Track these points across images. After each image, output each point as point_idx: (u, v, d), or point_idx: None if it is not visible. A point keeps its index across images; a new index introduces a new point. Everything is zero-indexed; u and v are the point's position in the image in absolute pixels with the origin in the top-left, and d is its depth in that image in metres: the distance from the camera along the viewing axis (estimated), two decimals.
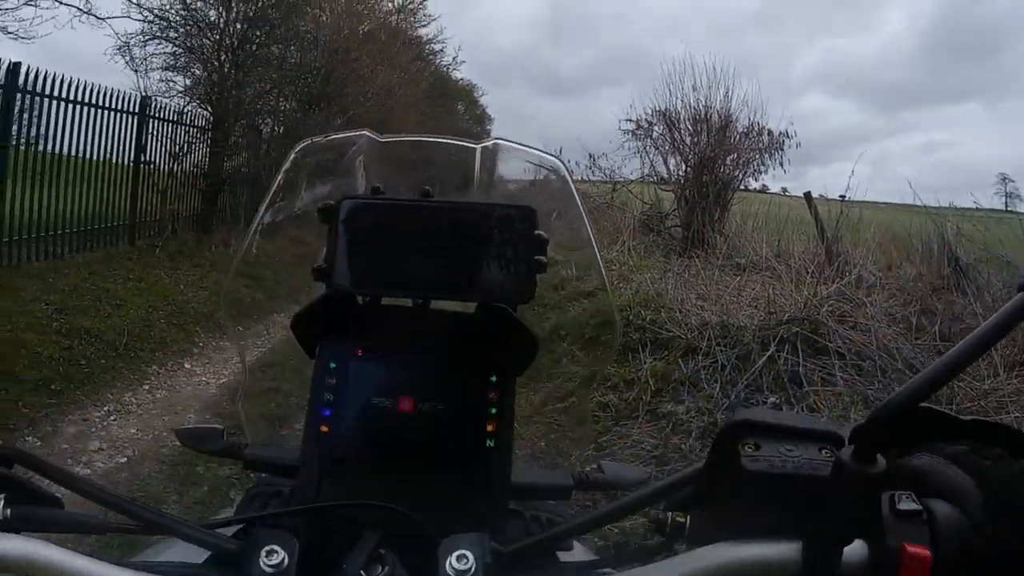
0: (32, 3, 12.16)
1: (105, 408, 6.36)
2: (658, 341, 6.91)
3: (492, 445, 1.06)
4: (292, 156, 1.24)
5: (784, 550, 0.74)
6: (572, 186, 1.27)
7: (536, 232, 1.03)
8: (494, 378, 1.08)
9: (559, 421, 5.85)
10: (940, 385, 0.68)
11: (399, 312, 1.13)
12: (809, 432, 0.77)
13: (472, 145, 1.27)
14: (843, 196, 10.36)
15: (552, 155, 1.29)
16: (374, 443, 1.07)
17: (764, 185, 15.19)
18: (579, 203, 1.26)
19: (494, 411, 1.07)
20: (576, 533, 0.90)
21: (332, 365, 1.09)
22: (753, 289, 7.87)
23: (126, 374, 7.10)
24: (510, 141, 1.27)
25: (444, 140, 1.44)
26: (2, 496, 0.82)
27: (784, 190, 14.72)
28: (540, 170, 1.34)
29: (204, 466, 5.24)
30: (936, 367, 0.68)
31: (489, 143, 1.25)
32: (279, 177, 1.23)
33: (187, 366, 7.76)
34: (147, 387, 7.00)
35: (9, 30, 12.54)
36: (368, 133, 1.25)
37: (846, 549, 0.72)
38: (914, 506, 0.73)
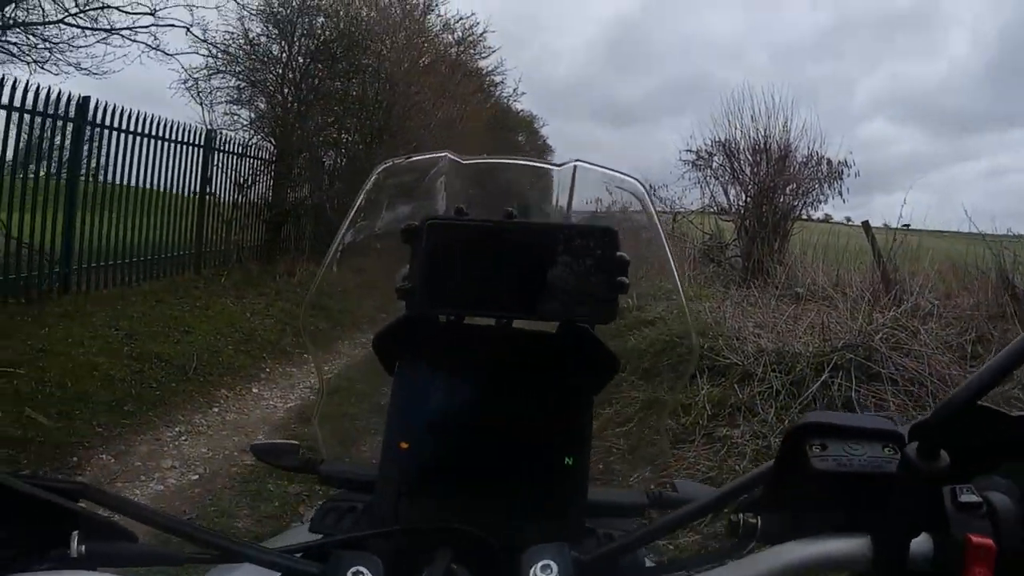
0: (104, 41, 12.47)
1: (176, 429, 6.43)
2: (715, 368, 6.87)
3: (570, 464, 1.06)
4: (373, 177, 1.24)
5: (854, 545, 0.75)
6: (652, 208, 1.27)
7: (618, 253, 1.02)
8: (573, 397, 1.08)
9: (620, 444, 5.85)
10: (995, 384, 0.69)
11: (480, 331, 1.12)
12: (873, 431, 0.79)
13: (553, 167, 1.27)
14: (907, 225, 10.23)
15: (632, 177, 1.28)
16: (452, 460, 1.06)
17: (827, 214, 15.04)
18: (658, 225, 1.26)
19: (572, 430, 1.06)
20: (655, 537, 0.89)
21: (412, 383, 1.09)
22: (809, 317, 7.78)
23: (196, 397, 7.17)
24: (590, 163, 1.24)
25: (525, 162, 1.46)
26: (75, 533, 0.81)
27: (847, 219, 14.47)
28: (620, 191, 1.30)
29: (274, 483, 5.32)
30: (991, 366, 0.69)
31: (569, 164, 1.24)
32: (360, 198, 1.22)
33: (255, 390, 7.82)
34: (217, 410, 7.07)
35: (82, 66, 12.87)
36: (450, 155, 1.24)
37: (913, 542, 0.74)
38: (975, 498, 0.74)
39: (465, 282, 1.02)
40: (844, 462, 0.76)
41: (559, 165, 1.25)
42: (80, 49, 12.83)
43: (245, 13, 15.22)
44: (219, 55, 15.20)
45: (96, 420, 6.06)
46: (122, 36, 12.72)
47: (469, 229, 1.03)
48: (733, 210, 13.86)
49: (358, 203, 1.22)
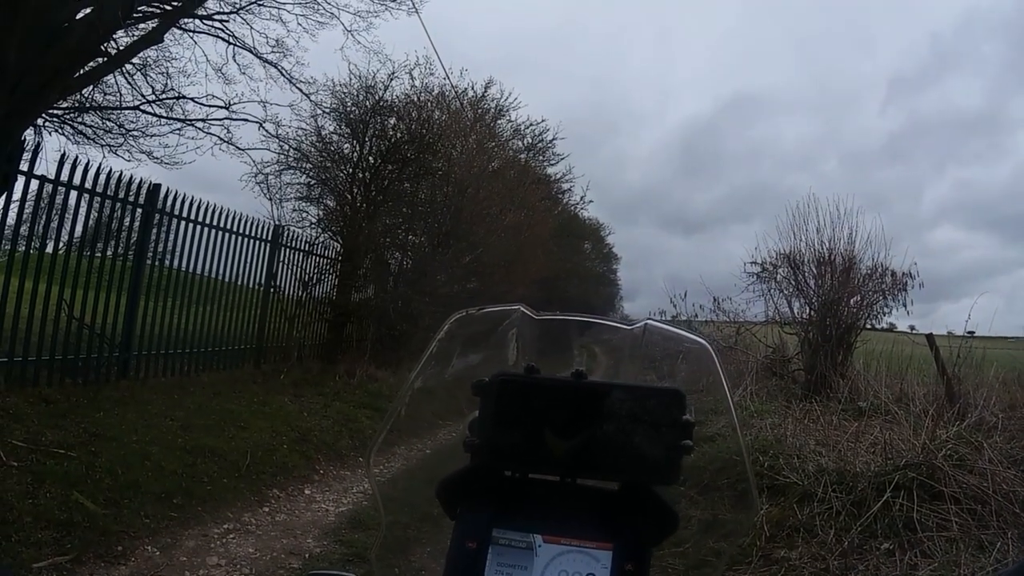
0: (178, 132, 12.66)
1: (225, 526, 6.28)
2: (774, 487, 6.75)
3: None
4: (447, 326, 1.23)
5: None
6: (720, 369, 1.21)
7: (684, 417, 1.04)
8: (631, 550, 1.06)
9: (676, 565, 5.66)
10: None
11: (544, 485, 1.11)
12: None
13: (623, 326, 1.30)
14: (971, 332, 10.01)
15: (700, 337, 1.27)
16: None
17: (891, 324, 14.74)
18: (726, 387, 1.22)
19: None
20: None
21: (472, 531, 1.08)
22: (872, 434, 7.56)
23: (247, 495, 7.03)
24: (660, 322, 1.29)
25: (597, 320, 1.50)
26: None
27: (912, 327, 14.24)
28: (689, 351, 1.27)
29: None
30: None
31: (640, 324, 1.26)
32: (433, 345, 1.22)
33: (307, 492, 7.65)
34: (267, 509, 6.91)
35: (154, 155, 13.06)
36: (523, 308, 1.26)
37: None
38: None
39: (532, 440, 1.05)
40: None
41: (630, 325, 1.28)
42: (153, 137, 13.03)
43: (319, 111, 15.44)
44: (290, 151, 15.41)
45: (144, 510, 5.92)
46: (195, 127, 12.88)
47: (538, 388, 1.06)
48: (797, 322, 13.71)
49: (431, 350, 1.22)
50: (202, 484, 6.78)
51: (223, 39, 13.37)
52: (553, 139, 26.67)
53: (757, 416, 9.42)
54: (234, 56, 13.61)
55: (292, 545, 6.10)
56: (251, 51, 13.54)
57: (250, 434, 8.34)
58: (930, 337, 10.75)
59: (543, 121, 26.57)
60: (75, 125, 12.58)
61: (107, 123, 12.83)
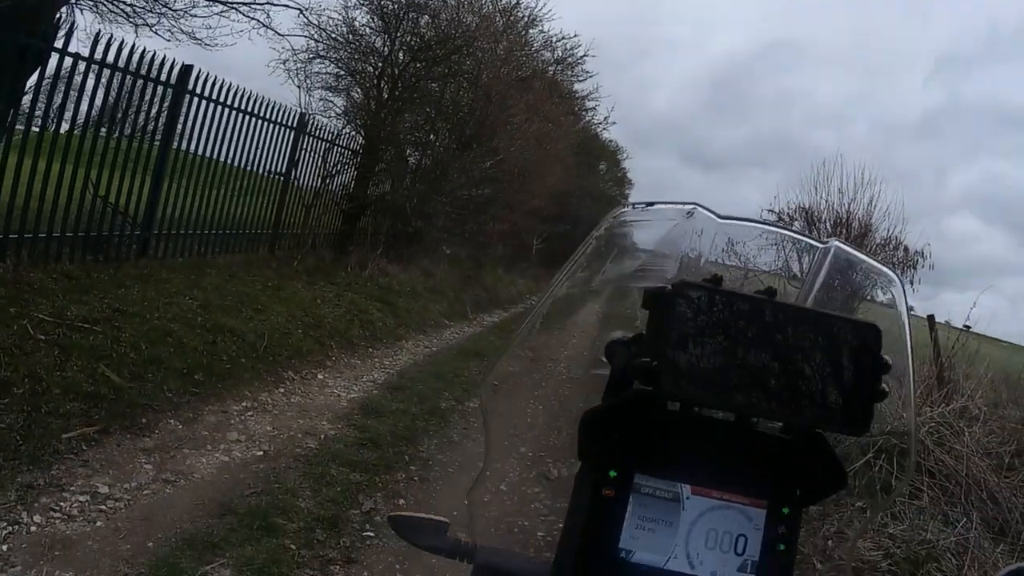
0: (223, 14, 12.60)
1: (243, 403, 6.53)
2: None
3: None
4: (608, 221, 1.11)
5: None
6: (904, 307, 1.12)
7: (882, 355, 0.91)
8: (786, 509, 0.96)
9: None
10: None
11: (711, 425, 0.96)
12: None
13: (814, 242, 1.18)
14: (967, 326, 10.08)
15: (890, 269, 1.17)
16: (649, 572, 0.93)
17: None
18: (907, 327, 1.10)
19: (781, 547, 0.96)
20: None
21: (612, 473, 0.94)
22: None
23: (264, 375, 7.26)
24: (851, 247, 1.17)
25: (786, 231, 1.39)
26: None
27: (911, 309, 14.29)
28: (876, 281, 1.20)
29: (337, 470, 5.42)
30: None
31: (829, 244, 1.15)
32: (589, 242, 1.09)
33: (320, 376, 7.90)
34: (283, 390, 7.16)
35: (196, 36, 13.02)
36: (700, 206, 1.09)
37: None
38: None
39: (716, 367, 0.87)
40: None
41: (820, 242, 1.16)
42: (195, 19, 12.97)
43: (353, 1, 15.33)
44: (323, 40, 15.33)
45: (167, 385, 6.14)
46: (239, 11, 12.81)
47: (730, 303, 0.88)
48: (804, 277, 13.53)
49: (584, 249, 1.09)
50: (221, 362, 6.99)
51: None
52: (584, 56, 26.15)
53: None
54: None
55: (307, 426, 6.33)
56: None
57: (266, 317, 8.53)
58: (931, 319, 10.83)
59: (575, 36, 25.99)
60: (110, 4, 12.51)
61: (143, 2, 12.75)
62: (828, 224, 13.47)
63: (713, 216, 1.08)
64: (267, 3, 12.81)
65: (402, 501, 5.21)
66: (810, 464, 0.96)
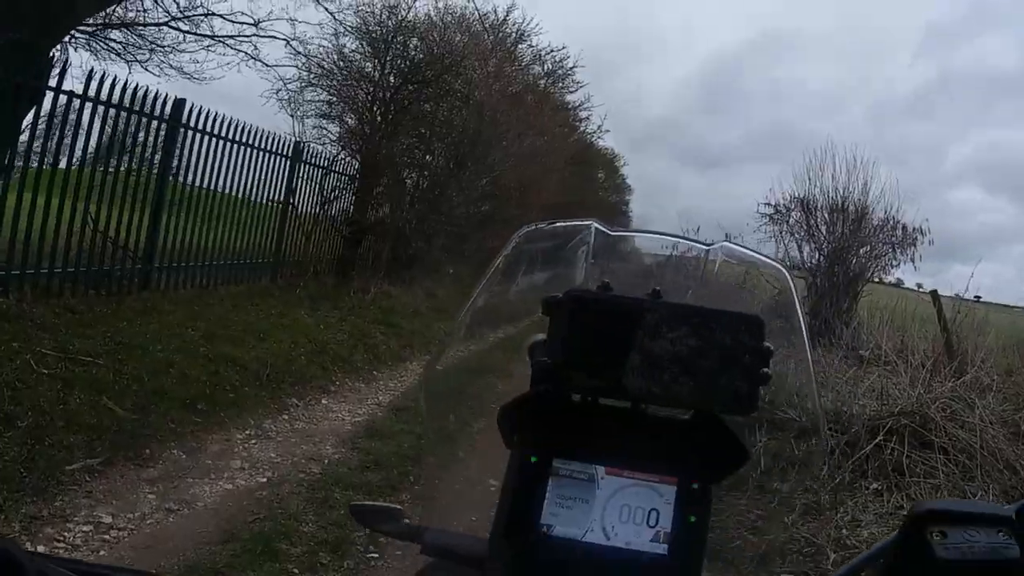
0: (208, 48, 12.71)
1: (247, 432, 6.51)
2: (773, 422, 6.80)
3: (686, 554, 1.01)
4: (515, 241, 1.22)
5: None
6: (796, 296, 1.23)
7: (764, 344, 0.99)
8: (696, 485, 1.03)
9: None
10: None
11: (613, 413, 1.06)
12: (989, 517, 0.82)
13: (700, 244, 1.26)
14: (978, 297, 10.08)
15: (776, 261, 1.28)
16: (566, 545, 1.01)
17: (899, 278, 14.79)
18: (800, 314, 1.22)
19: (692, 519, 1.02)
20: None
21: (533, 459, 1.03)
22: (869, 380, 7.72)
23: (267, 403, 7.25)
24: (737, 244, 1.26)
25: (673, 237, 1.43)
26: None
27: (919, 285, 14.26)
28: (761, 275, 1.34)
29: (341, 493, 5.38)
30: None
31: (717, 245, 1.24)
32: (499, 260, 1.20)
33: (324, 402, 7.88)
34: (287, 417, 7.14)
35: (185, 70, 13.14)
36: (596, 224, 1.21)
37: None
38: None
39: (605, 363, 0.97)
40: (967, 551, 0.79)
41: (706, 245, 1.25)
42: (184, 53, 13.09)
43: (341, 29, 15.48)
44: (312, 68, 15.43)
45: (170, 416, 6.14)
46: (225, 44, 12.92)
47: (615, 306, 0.99)
48: (806, 267, 13.85)
49: (496, 265, 1.20)
50: (225, 392, 7.00)
51: None
52: (573, 67, 26.29)
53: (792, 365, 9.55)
54: None
55: (311, 451, 6.32)
56: None
57: (269, 345, 8.54)
58: (935, 293, 10.86)
59: (563, 48, 26.12)
60: (102, 42, 12.63)
61: (134, 39, 12.87)
62: (825, 212, 13.59)
63: (606, 231, 1.21)
64: (253, 35, 12.91)
65: (407, 521, 5.15)
66: (712, 443, 1.03)
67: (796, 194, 14.21)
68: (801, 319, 1.22)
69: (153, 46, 12.89)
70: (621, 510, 1.01)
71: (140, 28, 12.90)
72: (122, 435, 5.56)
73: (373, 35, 15.72)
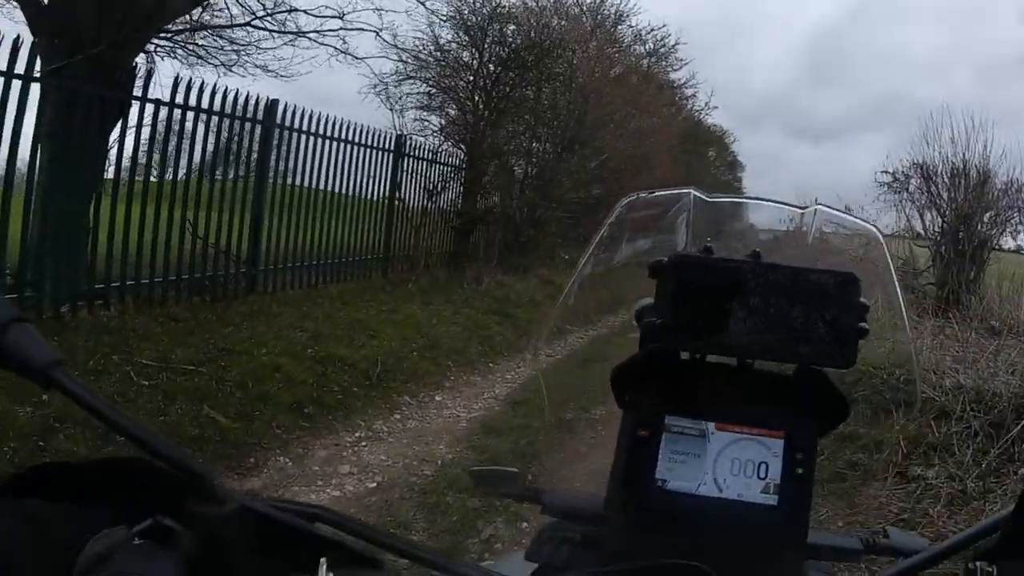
0: (292, 43, 12.57)
1: (356, 434, 6.27)
2: (910, 402, 6.28)
3: (795, 505, 1.06)
4: (617, 210, 1.27)
5: None
6: (888, 256, 1.29)
7: (860, 299, 1.04)
8: (802, 438, 1.08)
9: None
10: None
11: (720, 370, 1.12)
12: None
13: (796, 208, 1.31)
14: None
15: (870, 223, 1.32)
16: (680, 498, 1.07)
17: (1020, 245, 14.02)
18: (893, 274, 1.28)
19: (800, 471, 1.07)
20: None
21: (645, 418, 1.09)
22: (1010, 354, 7.08)
23: (378, 403, 7.01)
24: (831, 208, 1.30)
25: (769, 202, 1.46)
26: (323, 560, 0.76)
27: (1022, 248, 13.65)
28: (858, 237, 1.35)
29: (453, 496, 5.15)
30: None
31: (811, 208, 1.28)
32: (603, 230, 1.25)
33: (438, 399, 7.60)
34: (398, 416, 6.88)
35: (269, 68, 13.01)
36: (695, 191, 1.27)
37: None
38: None
39: (711, 321, 1.03)
40: None
41: (802, 208, 1.30)
42: (268, 52, 12.97)
43: (435, 19, 15.25)
44: (409, 60, 15.27)
45: (275, 421, 5.96)
46: (310, 39, 12.75)
47: (718, 268, 1.04)
48: (929, 235, 13.30)
49: (601, 234, 1.25)
50: (333, 393, 6.77)
51: None
52: (676, 44, 26.15)
53: (890, 328, 9.00)
54: None
55: (424, 452, 6.05)
56: None
57: (380, 342, 8.31)
58: None
59: (664, 26, 26.04)
60: (187, 47, 12.58)
61: (219, 41, 12.80)
62: (945, 176, 12.83)
63: (704, 197, 1.28)
64: (340, 28, 12.71)
65: (524, 524, 4.88)
66: (817, 398, 1.09)
67: (915, 160, 13.59)
68: (895, 278, 1.28)
69: (238, 47, 12.77)
70: (732, 463, 1.07)
71: (224, 31, 12.82)
72: (225, 444, 5.43)
73: (468, 23, 15.50)
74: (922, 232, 13.42)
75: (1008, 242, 13.16)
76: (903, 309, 1.32)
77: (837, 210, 1.31)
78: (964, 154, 12.50)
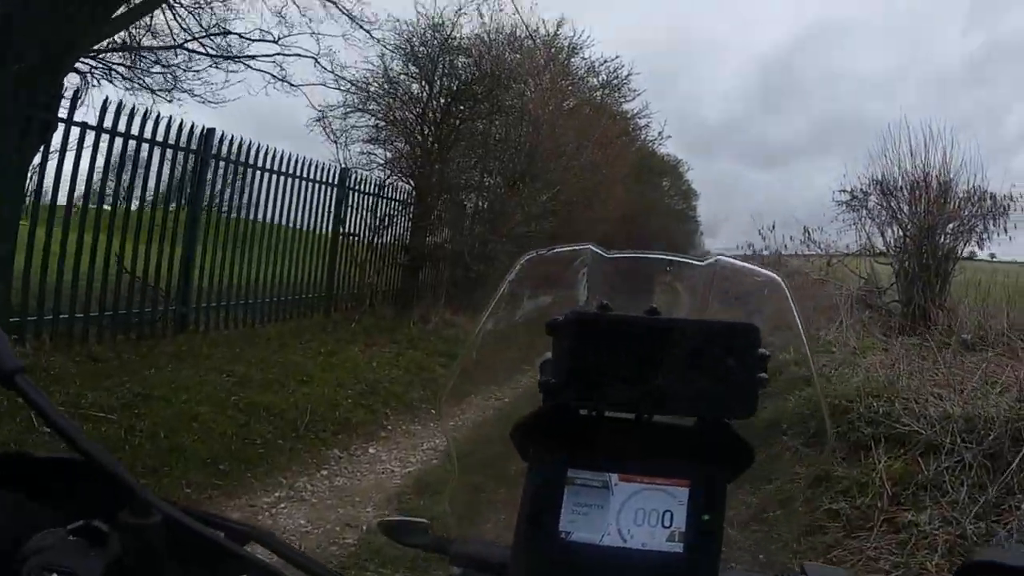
0: (218, 66, 12.29)
1: (276, 494, 5.83)
2: (893, 437, 5.94)
3: (701, 552, 1.04)
4: (517, 267, 1.26)
5: None
6: (792, 302, 1.23)
7: (759, 350, 1.03)
8: (707, 486, 1.06)
9: (781, 531, 5.28)
10: None
11: (618, 426, 1.09)
12: None
13: (695, 261, 1.32)
14: None
15: (770, 271, 1.29)
16: (584, 549, 1.04)
17: (991, 253, 14.00)
18: (799, 320, 1.23)
19: (706, 517, 1.04)
20: None
21: (548, 472, 1.07)
22: (1002, 372, 6.75)
23: (303, 457, 6.58)
24: (730, 258, 1.31)
25: (668, 256, 1.51)
26: None
27: (992, 256, 13.61)
28: (760, 285, 1.28)
29: (375, 569, 4.77)
30: None
31: (711, 259, 1.28)
32: (504, 287, 1.23)
33: (372, 451, 7.16)
34: (325, 472, 6.44)
35: (195, 93, 12.68)
36: (593, 247, 1.27)
37: None
38: None
39: (607, 377, 1.03)
40: None
41: (701, 260, 1.30)
42: (199, 76, 12.71)
43: (385, 51, 15.24)
44: (353, 91, 15.39)
45: (186, 478, 5.54)
46: (242, 63, 12.44)
47: (613, 325, 1.04)
48: (891, 251, 13.18)
49: (501, 291, 1.24)
50: (254, 446, 6.35)
51: None
52: (628, 75, 26.41)
53: (860, 353, 8.70)
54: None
55: (348, 515, 5.61)
56: None
57: (312, 388, 7.88)
58: None
59: (617, 57, 26.26)
60: (116, 68, 12.25)
61: (145, 61, 12.46)
62: (905, 191, 12.79)
63: (603, 253, 1.28)
64: (276, 54, 12.49)
65: (434, 534, 4.47)
66: (721, 446, 1.08)
67: (873, 176, 13.61)
68: (799, 324, 1.24)
69: (172, 71, 12.46)
70: (636, 513, 1.06)
71: (155, 52, 12.53)
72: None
73: (418, 55, 15.46)
74: (884, 249, 13.40)
75: (976, 251, 13.09)
76: (808, 353, 1.49)
77: (738, 260, 1.31)
78: (923, 165, 12.58)
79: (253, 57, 12.91)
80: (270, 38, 13.10)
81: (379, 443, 7.41)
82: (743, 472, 1.11)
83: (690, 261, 1.33)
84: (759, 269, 1.29)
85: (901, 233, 12.82)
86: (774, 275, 1.27)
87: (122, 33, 11.36)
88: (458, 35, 15.89)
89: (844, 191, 14.24)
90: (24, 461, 0.88)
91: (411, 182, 15.26)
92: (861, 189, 13.87)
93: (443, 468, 6.63)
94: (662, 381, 1.01)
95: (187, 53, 12.76)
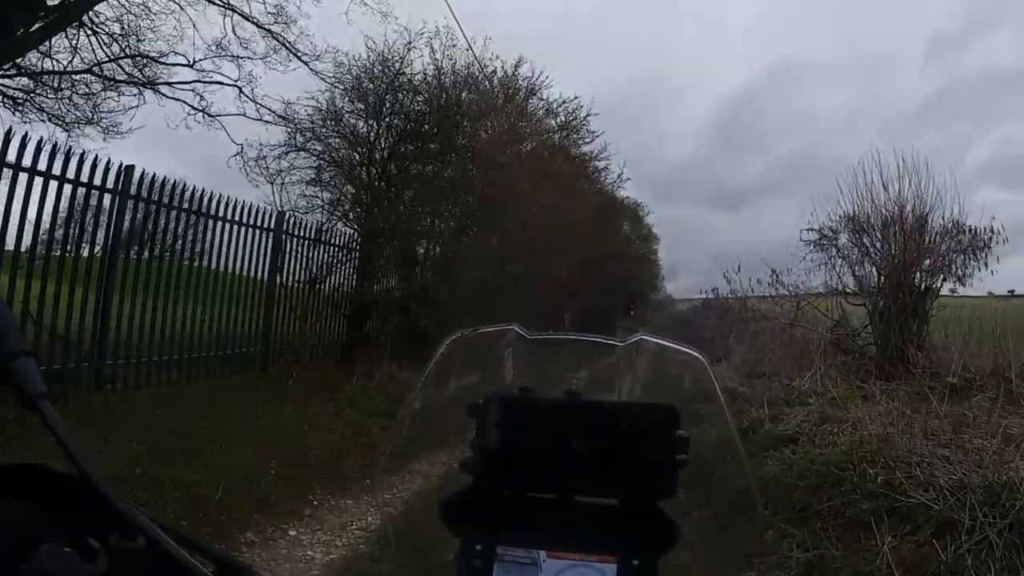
0: (113, 88, 11.77)
1: None
2: (897, 511, 5.10)
3: None
4: (443, 348, 1.26)
5: None
6: (714, 380, 1.24)
7: (678, 432, 1.05)
8: (636, 561, 1.05)
9: None
10: None
11: (544, 504, 1.10)
12: None
13: (616, 343, 1.32)
14: (1011, 291, 9.49)
15: (692, 350, 1.27)
16: None
17: (952, 289, 13.70)
18: (722, 399, 1.27)
19: None
20: None
21: (477, 547, 1.06)
22: (995, 421, 6.19)
23: (209, 541, 5.65)
24: (652, 338, 1.31)
25: (589, 338, 1.49)
26: None
27: (953, 291, 13.32)
28: (682, 364, 1.30)
29: None
30: None
31: (633, 339, 1.28)
32: (430, 367, 1.24)
33: (292, 534, 6.40)
34: None
35: (92, 120, 12.10)
36: (517, 328, 1.29)
37: None
38: None
39: (528, 460, 1.06)
40: None
41: (623, 341, 1.31)
42: (98, 106, 12.13)
43: (329, 86, 14.82)
44: (282, 124, 14.87)
45: None
46: (155, 91, 11.84)
47: (532, 407, 1.08)
48: (864, 290, 12.86)
49: (427, 371, 1.25)
50: None
51: (217, 4, 12.33)
52: (587, 116, 26.28)
53: (841, 406, 7.95)
54: (233, 29, 12.54)
55: None
56: (249, 19, 12.45)
57: (232, 458, 7.10)
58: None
59: (576, 98, 26.05)
60: (17, 97, 11.55)
61: (44, 86, 11.81)
62: (878, 228, 12.48)
63: (525, 335, 1.29)
64: (195, 81, 11.93)
65: None
66: (645, 524, 1.08)
67: (845, 212, 13.32)
68: (723, 403, 1.27)
69: (60, 92, 11.82)
70: None
71: (58, 76, 11.83)
72: None
73: (366, 91, 14.97)
74: (856, 289, 13.20)
75: (956, 287, 12.67)
76: (735, 432, 1.64)
77: (660, 340, 1.31)
78: (897, 198, 12.27)
79: (170, 84, 12.25)
80: (185, 62, 12.49)
81: (301, 523, 6.66)
82: (668, 549, 1.07)
83: (612, 342, 1.34)
84: (681, 347, 1.28)
85: (875, 271, 12.59)
86: (696, 353, 1.26)
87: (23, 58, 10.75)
88: (408, 70, 15.49)
89: (812, 230, 14.01)
90: (45, 474, 0.89)
91: (356, 226, 14.66)
92: (830, 227, 13.65)
93: (371, 556, 6.00)
94: (582, 463, 1.03)
95: (98, 79, 12.12)
